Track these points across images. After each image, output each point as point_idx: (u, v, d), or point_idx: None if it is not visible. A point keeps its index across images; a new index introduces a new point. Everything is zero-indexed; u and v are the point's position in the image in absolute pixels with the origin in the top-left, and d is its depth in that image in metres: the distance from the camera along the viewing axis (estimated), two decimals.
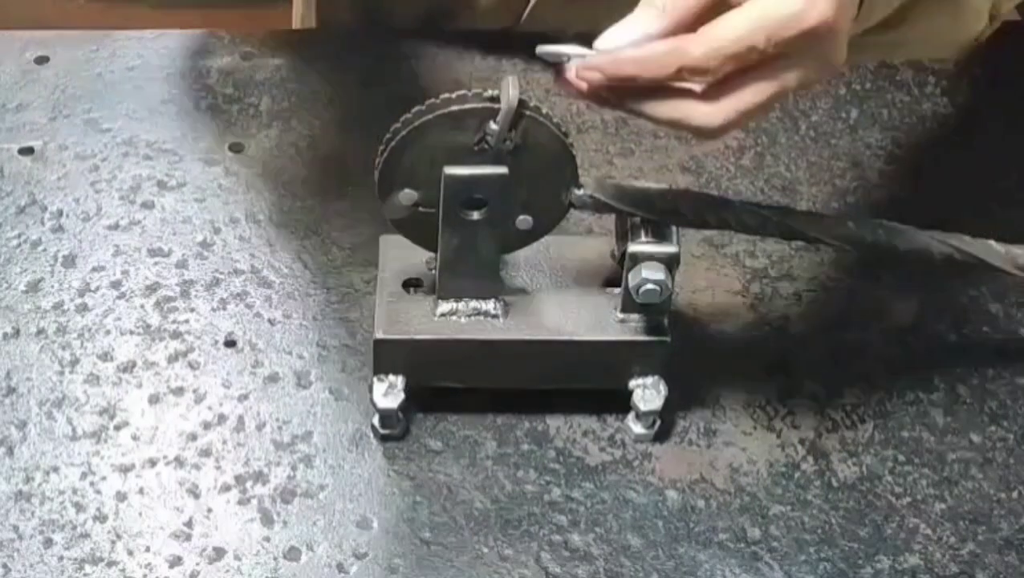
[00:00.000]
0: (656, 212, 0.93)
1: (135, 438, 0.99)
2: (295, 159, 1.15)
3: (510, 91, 0.87)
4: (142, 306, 1.06)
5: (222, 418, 1.00)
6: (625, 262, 0.94)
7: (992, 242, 0.97)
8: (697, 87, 0.80)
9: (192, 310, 1.06)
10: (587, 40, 0.84)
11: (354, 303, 1.06)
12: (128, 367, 1.03)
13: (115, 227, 1.11)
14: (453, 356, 0.98)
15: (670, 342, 0.97)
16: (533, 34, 1.00)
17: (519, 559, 0.94)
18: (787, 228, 0.94)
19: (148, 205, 1.12)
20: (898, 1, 0.88)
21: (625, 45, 0.82)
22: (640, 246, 0.93)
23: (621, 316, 0.97)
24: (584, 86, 0.82)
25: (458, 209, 0.92)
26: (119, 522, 0.95)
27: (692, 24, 0.81)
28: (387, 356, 0.97)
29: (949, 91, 1.20)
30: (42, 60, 1.22)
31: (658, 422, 1.00)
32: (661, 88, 0.81)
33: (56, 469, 0.97)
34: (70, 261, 1.08)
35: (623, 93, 0.82)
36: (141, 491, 0.97)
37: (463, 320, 0.97)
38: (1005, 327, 1.08)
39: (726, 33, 0.80)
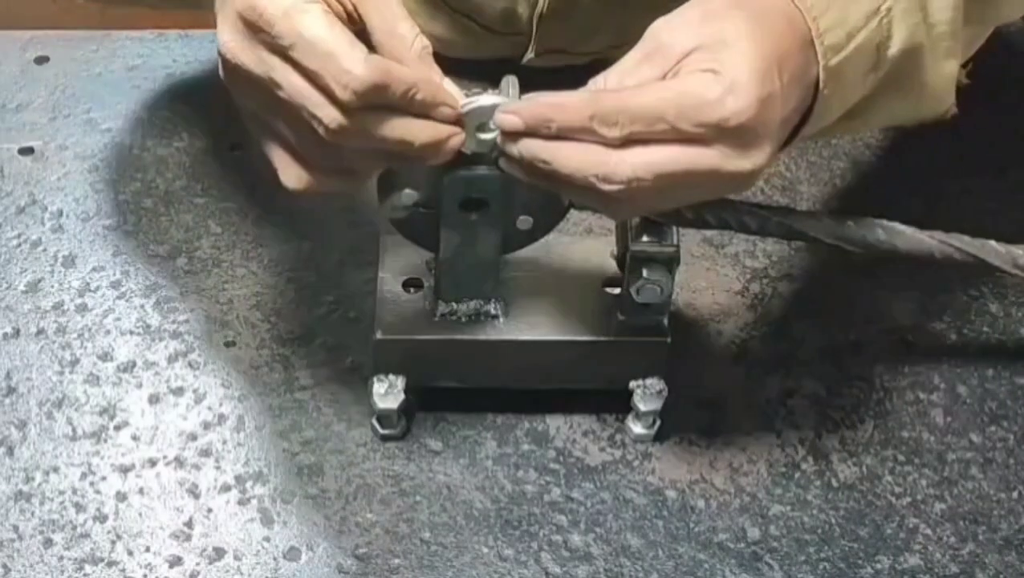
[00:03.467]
0: (656, 212, 0.92)
1: (135, 438, 0.99)
2: None
3: (510, 91, 0.87)
4: (142, 306, 1.06)
5: (222, 418, 1.00)
6: (625, 262, 0.94)
7: (992, 242, 0.97)
8: (609, 135, 0.82)
9: (192, 310, 1.06)
10: None
11: (354, 303, 1.06)
12: (128, 367, 1.03)
13: (115, 227, 1.11)
14: (453, 356, 0.98)
15: (670, 342, 0.97)
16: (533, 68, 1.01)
17: (519, 559, 0.94)
18: (787, 228, 0.94)
19: (148, 205, 1.12)
20: (853, 100, 0.89)
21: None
22: (640, 246, 0.93)
23: (621, 316, 0.97)
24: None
25: (458, 209, 0.92)
26: (119, 522, 0.95)
27: None
28: (387, 356, 0.97)
29: None
30: (42, 60, 1.22)
31: (658, 422, 1.00)
32: (574, 138, 0.82)
33: (56, 469, 0.97)
34: (70, 261, 1.08)
35: (537, 140, 0.83)
36: (141, 491, 0.97)
37: (463, 320, 0.97)
38: (1005, 327, 1.08)
39: (639, 97, 0.82)
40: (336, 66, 0.80)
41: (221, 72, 0.85)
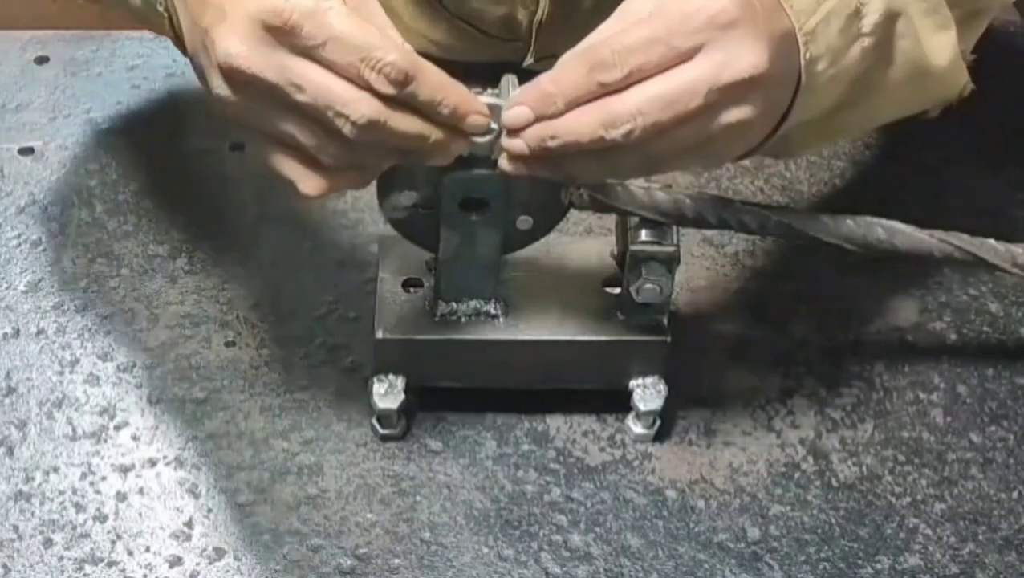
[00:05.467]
0: (656, 212, 0.93)
1: (135, 438, 0.99)
2: None
3: (510, 90, 0.87)
4: (142, 307, 1.06)
5: (222, 418, 1.00)
6: (625, 262, 0.94)
7: (992, 241, 0.97)
8: (610, 79, 0.83)
9: (192, 310, 1.06)
10: None
11: (354, 303, 1.06)
12: (128, 367, 1.03)
13: (115, 227, 1.11)
14: (453, 356, 0.98)
15: (670, 342, 0.97)
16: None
17: (519, 559, 0.94)
18: (787, 228, 0.94)
19: (148, 205, 1.12)
20: (850, 73, 0.89)
21: None
22: (640, 246, 0.93)
23: (621, 316, 0.97)
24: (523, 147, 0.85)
25: (458, 209, 0.92)
26: (119, 522, 0.95)
27: None
28: (387, 356, 0.97)
29: None
30: (42, 60, 1.22)
31: (658, 422, 1.00)
32: (579, 104, 0.83)
33: (56, 469, 0.97)
34: (70, 261, 1.08)
35: (541, 123, 0.84)
36: (141, 491, 0.96)
37: (463, 320, 0.97)
38: (1005, 327, 1.08)
39: (630, 34, 0.83)
40: (372, 56, 0.80)
41: (223, 88, 0.84)
